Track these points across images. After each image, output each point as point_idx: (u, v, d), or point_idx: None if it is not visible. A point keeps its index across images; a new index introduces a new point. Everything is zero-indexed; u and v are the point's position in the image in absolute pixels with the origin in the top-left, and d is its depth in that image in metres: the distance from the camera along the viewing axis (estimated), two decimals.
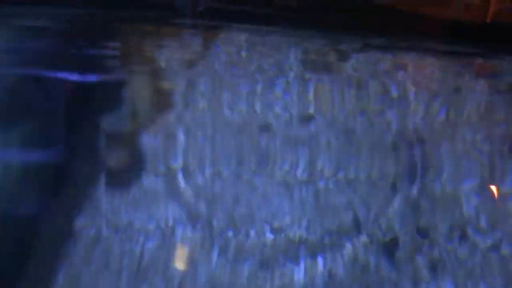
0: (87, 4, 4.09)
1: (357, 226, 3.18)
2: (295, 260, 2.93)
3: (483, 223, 3.17)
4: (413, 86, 3.84)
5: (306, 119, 3.58)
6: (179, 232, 2.99)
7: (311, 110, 3.63)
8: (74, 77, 3.50)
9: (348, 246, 3.01)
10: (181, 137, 3.49)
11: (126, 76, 3.67)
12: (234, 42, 3.94)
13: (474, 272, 3.01)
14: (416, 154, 3.49)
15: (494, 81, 3.88)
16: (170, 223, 3.05)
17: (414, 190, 3.32)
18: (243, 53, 3.90)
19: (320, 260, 2.92)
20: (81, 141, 3.31)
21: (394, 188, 3.33)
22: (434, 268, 3.03)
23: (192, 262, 2.90)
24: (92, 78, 3.60)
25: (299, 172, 3.36)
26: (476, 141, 3.48)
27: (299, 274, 2.94)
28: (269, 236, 3.16)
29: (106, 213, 3.01)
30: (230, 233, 2.99)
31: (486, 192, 3.38)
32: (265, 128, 3.48)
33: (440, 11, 4.17)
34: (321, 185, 3.30)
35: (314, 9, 3.96)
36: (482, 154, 3.45)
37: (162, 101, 3.66)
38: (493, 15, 4.23)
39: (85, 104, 3.41)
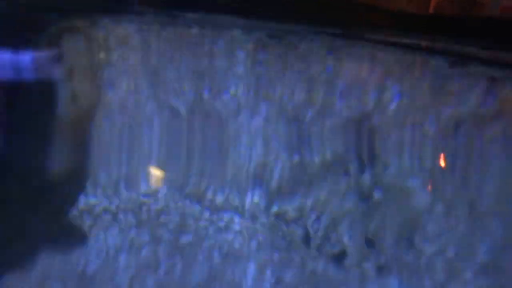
0: None
1: None
2: None
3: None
4: (360, 75, 3.86)
5: (256, 110, 3.53)
6: None
7: (260, 100, 3.59)
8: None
9: None
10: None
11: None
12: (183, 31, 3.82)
13: None
14: (365, 143, 3.50)
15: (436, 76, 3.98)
16: None
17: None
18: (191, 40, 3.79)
19: None
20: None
21: None
22: None
23: None
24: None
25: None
26: (425, 128, 3.54)
27: None
28: None
29: None
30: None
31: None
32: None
33: (385, 2, 4.24)
34: None
35: None
36: (431, 141, 3.51)
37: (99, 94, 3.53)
38: (435, 7, 4.35)
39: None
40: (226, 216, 3.21)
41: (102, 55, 3.66)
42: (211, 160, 3.41)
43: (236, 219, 3.22)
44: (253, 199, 3.30)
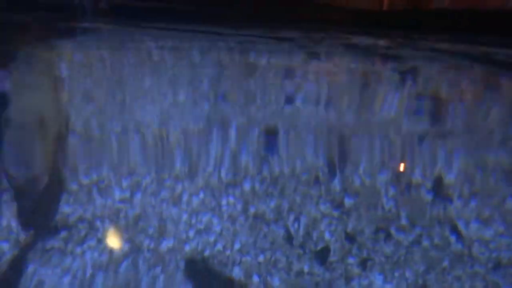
0: None
1: None
2: None
3: None
4: (323, 76, 3.96)
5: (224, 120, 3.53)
6: None
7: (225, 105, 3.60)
8: None
9: None
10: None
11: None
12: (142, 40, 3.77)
13: None
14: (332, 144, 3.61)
15: (398, 65, 4.14)
16: None
17: None
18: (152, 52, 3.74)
19: None
20: None
21: None
22: None
23: None
24: None
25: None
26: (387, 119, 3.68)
27: None
28: None
29: None
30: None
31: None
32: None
33: (340, 1, 4.38)
34: None
35: (220, 3, 3.92)
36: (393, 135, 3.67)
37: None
38: (388, 4, 4.55)
39: None
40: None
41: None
42: None
43: None
44: None
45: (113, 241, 2.31)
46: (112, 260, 2.26)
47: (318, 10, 4.24)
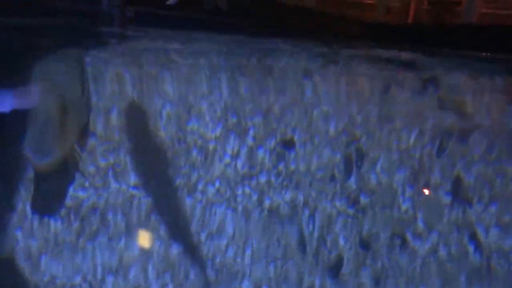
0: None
1: None
2: None
3: None
4: (344, 86, 3.95)
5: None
6: None
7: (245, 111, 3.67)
8: None
9: None
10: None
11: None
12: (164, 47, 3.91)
13: None
14: (352, 150, 3.59)
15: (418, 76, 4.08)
16: None
17: None
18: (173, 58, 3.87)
19: None
20: None
21: None
22: None
23: None
24: None
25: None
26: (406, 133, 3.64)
27: None
28: None
29: None
30: None
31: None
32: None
33: (364, 14, 4.37)
34: None
35: (243, 14, 4.02)
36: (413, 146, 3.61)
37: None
38: (413, 17, 4.49)
39: None
40: None
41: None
42: None
43: None
44: None
45: None
46: None
47: (340, 23, 4.25)
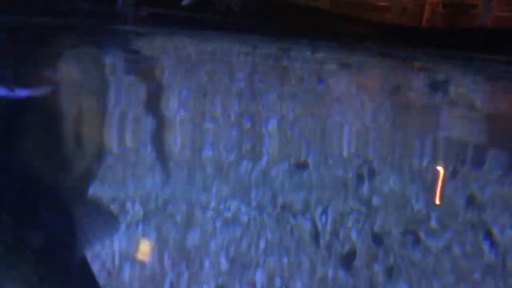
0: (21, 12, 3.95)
1: None
2: None
3: None
4: (357, 86, 3.95)
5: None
6: None
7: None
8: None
9: None
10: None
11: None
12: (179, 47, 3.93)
13: None
14: (363, 147, 3.58)
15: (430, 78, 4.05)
16: None
17: None
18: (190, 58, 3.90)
19: None
20: None
21: None
22: None
23: None
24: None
25: None
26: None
27: None
28: None
29: None
30: None
31: None
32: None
33: (379, 16, 4.35)
34: None
35: (258, 15, 4.01)
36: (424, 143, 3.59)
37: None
38: (427, 20, 4.45)
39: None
40: None
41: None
42: None
43: None
44: None
45: None
46: None
47: (355, 25, 4.24)
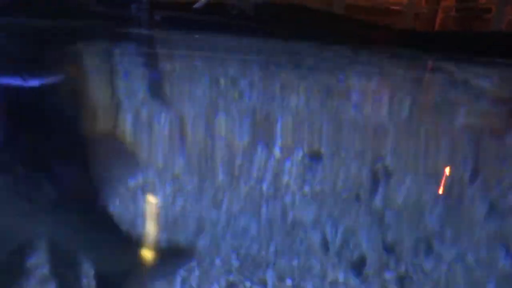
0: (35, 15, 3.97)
1: None
2: None
3: None
4: (373, 89, 3.94)
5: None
6: None
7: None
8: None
9: None
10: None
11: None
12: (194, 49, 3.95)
13: None
14: (381, 145, 3.56)
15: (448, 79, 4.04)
16: None
17: None
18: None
19: None
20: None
21: None
22: None
23: None
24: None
25: None
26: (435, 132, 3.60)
27: None
28: None
29: None
30: None
31: None
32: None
33: (392, 21, 4.35)
34: None
35: (271, 19, 4.02)
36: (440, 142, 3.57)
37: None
38: (441, 24, 4.45)
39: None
40: None
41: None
42: None
43: None
44: None
45: None
46: None
47: (368, 30, 4.23)
